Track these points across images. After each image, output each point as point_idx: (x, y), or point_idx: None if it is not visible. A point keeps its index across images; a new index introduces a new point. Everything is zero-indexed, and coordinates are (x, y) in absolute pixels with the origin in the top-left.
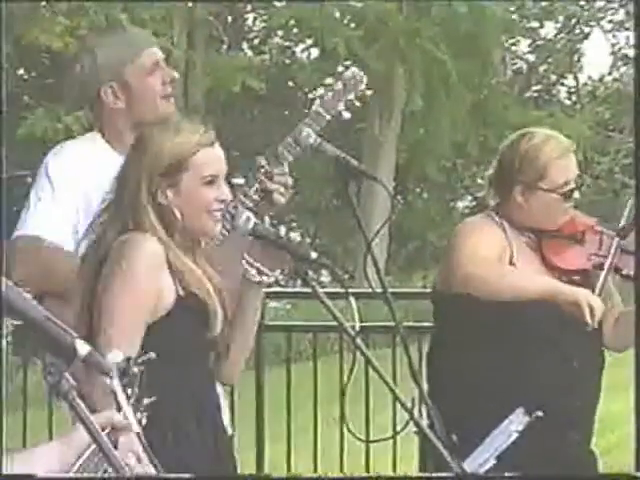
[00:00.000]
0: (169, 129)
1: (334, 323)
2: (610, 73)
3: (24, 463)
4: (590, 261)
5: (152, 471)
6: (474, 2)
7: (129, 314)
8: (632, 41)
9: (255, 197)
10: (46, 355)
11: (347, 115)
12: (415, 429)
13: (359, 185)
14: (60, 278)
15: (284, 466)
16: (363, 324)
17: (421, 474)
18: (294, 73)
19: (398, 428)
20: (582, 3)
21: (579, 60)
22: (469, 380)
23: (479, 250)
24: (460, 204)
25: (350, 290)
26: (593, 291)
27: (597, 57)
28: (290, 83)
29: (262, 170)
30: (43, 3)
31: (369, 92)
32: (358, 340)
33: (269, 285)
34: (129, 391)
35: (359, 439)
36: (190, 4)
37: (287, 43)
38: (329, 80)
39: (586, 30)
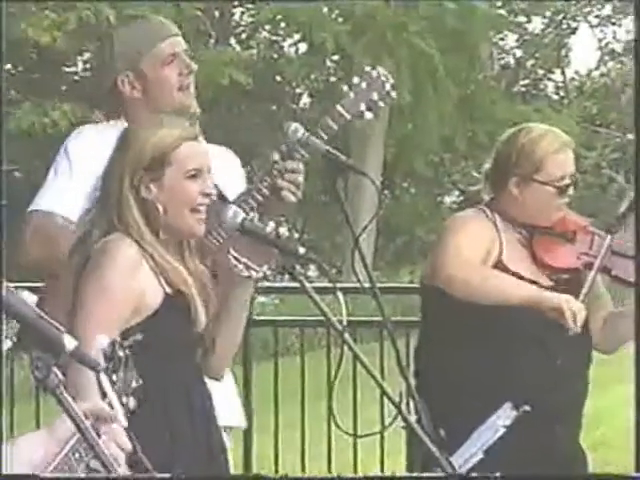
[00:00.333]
0: (152, 124)
1: (322, 318)
2: (597, 68)
3: (10, 451)
4: (580, 260)
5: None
6: None
7: (102, 321)
8: (623, 36)
9: (265, 192)
10: (33, 350)
11: (369, 116)
12: (403, 424)
13: (346, 180)
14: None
15: (272, 460)
16: (351, 319)
17: (409, 474)
18: (282, 68)
19: (386, 423)
20: None
21: (566, 55)
22: (456, 375)
23: (463, 250)
24: (448, 199)
25: (338, 285)
26: (581, 289)
27: (584, 52)
28: (278, 78)
29: (275, 166)
30: None
31: (394, 94)
32: (346, 335)
33: (256, 281)
34: (114, 377)
35: (347, 433)
36: None
37: (275, 38)
38: (355, 79)
39: (573, 25)
